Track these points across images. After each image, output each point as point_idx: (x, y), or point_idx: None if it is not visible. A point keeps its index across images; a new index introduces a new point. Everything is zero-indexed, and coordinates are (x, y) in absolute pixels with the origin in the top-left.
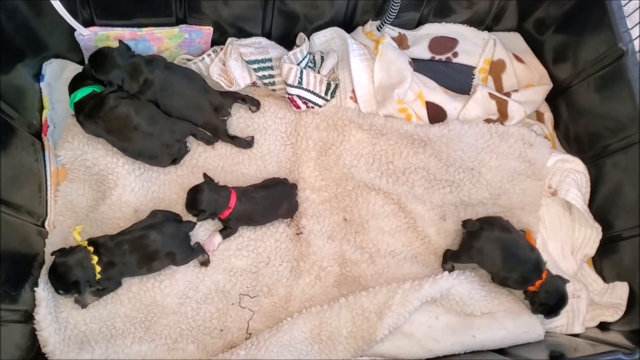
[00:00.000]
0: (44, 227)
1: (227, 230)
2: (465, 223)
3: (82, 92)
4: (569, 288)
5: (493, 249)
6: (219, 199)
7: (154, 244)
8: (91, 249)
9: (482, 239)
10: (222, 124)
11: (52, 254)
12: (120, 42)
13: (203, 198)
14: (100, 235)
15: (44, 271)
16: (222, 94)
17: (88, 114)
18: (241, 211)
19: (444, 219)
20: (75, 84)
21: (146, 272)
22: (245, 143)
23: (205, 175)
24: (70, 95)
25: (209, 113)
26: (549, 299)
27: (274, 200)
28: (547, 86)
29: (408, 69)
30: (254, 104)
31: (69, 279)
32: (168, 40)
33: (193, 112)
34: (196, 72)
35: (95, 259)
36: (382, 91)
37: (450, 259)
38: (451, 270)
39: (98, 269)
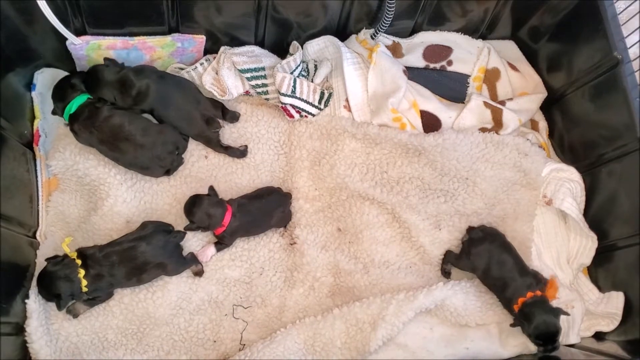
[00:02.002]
0: (35, 238)
1: (221, 245)
2: (470, 231)
3: (77, 102)
4: (562, 299)
5: (489, 262)
6: (212, 217)
7: (142, 256)
8: (79, 262)
9: (482, 249)
10: (214, 135)
11: (46, 260)
12: (106, 59)
13: (197, 212)
14: (90, 246)
15: (35, 282)
16: (214, 104)
17: (83, 123)
18: (236, 227)
19: (438, 229)
20: (64, 94)
21: (136, 283)
22: (239, 152)
23: (211, 188)
24: (61, 104)
25: (200, 125)
26: (528, 319)
27: (267, 210)
28: (541, 94)
29: (402, 77)
30: (231, 116)
31: (52, 291)
32: (160, 49)
33: (184, 124)
34: (190, 82)
35: (82, 272)
36: (376, 100)
37: (450, 261)
38: (448, 273)
39: (85, 282)
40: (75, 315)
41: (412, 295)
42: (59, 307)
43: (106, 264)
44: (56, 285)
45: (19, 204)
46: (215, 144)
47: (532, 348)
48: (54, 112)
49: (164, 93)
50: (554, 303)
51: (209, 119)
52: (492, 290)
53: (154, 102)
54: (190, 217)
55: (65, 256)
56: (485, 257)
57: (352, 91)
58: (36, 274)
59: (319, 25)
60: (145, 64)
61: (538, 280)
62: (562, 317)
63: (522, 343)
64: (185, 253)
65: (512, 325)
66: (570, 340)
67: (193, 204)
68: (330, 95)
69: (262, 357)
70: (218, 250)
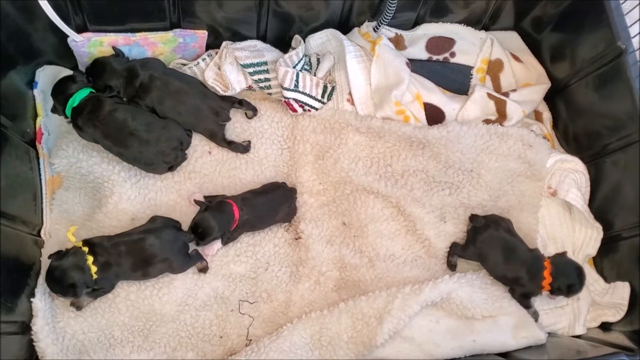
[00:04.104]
0: (39, 236)
1: (227, 239)
2: (472, 218)
3: (80, 95)
4: None
5: (495, 247)
6: (224, 219)
7: (150, 249)
8: (86, 249)
9: (487, 235)
10: (220, 129)
11: (49, 257)
12: (114, 48)
13: (214, 225)
14: (97, 236)
15: (41, 281)
16: (220, 98)
17: (87, 117)
18: (245, 221)
19: (443, 221)
20: (65, 88)
21: (141, 276)
22: (242, 148)
23: (197, 202)
24: (62, 96)
25: (208, 118)
26: (569, 276)
27: (273, 205)
28: (545, 85)
29: (405, 70)
30: (250, 108)
31: (66, 282)
32: (162, 45)
33: (192, 118)
34: (194, 77)
35: (90, 259)
36: (380, 93)
37: (457, 252)
38: (454, 265)
39: (94, 268)
40: (79, 308)
41: (418, 288)
42: (77, 295)
43: (114, 253)
44: (68, 275)
45: (22, 202)
46: (220, 139)
47: (542, 338)
48: (53, 110)
49: (168, 88)
50: (559, 297)
51: (218, 111)
52: (504, 281)
53: (158, 96)
54: (213, 235)
55: (68, 249)
56: (492, 243)
57: (355, 84)
58: (42, 272)
59: (321, 18)
60: None
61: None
62: (568, 309)
63: (531, 334)
64: (190, 249)
65: (552, 293)
66: (577, 331)
67: (204, 225)
68: (333, 88)
69: (269, 352)
70: (224, 244)
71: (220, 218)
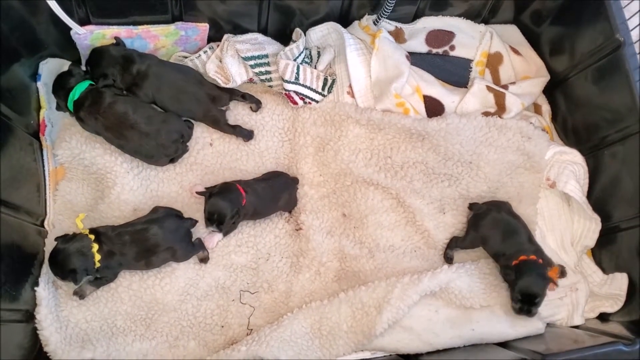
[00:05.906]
0: (43, 226)
1: (228, 228)
2: (472, 206)
3: (79, 88)
4: (566, 281)
5: (497, 229)
6: (233, 196)
7: (154, 238)
8: (92, 237)
9: (489, 219)
10: (221, 114)
11: (55, 239)
12: (117, 38)
13: (226, 205)
14: (102, 226)
15: (45, 270)
16: (221, 89)
17: (88, 110)
18: (249, 203)
19: (443, 213)
20: (65, 82)
21: (144, 266)
22: (247, 132)
23: (199, 192)
24: (62, 91)
25: (207, 104)
26: (519, 274)
27: (274, 191)
28: (544, 78)
29: (405, 62)
30: (254, 101)
31: (67, 267)
32: (164, 38)
33: (191, 106)
34: (190, 67)
35: (95, 247)
36: (379, 86)
37: (457, 244)
38: (451, 259)
39: (98, 257)
40: (82, 297)
41: (417, 278)
42: (76, 282)
43: (118, 242)
44: (70, 260)
45: (26, 193)
46: (223, 124)
47: (540, 327)
48: (58, 108)
49: (165, 77)
50: (559, 289)
51: (215, 97)
52: (496, 257)
53: (154, 86)
54: (229, 215)
55: (74, 234)
56: (494, 226)
57: (355, 77)
58: (45, 261)
59: (322, 11)
60: (149, 52)
61: (544, 258)
62: (567, 300)
63: (529, 324)
64: (193, 238)
65: (502, 275)
66: (575, 322)
67: (217, 209)
68: (333, 81)
69: (270, 341)
70: (225, 234)
71: (229, 197)
